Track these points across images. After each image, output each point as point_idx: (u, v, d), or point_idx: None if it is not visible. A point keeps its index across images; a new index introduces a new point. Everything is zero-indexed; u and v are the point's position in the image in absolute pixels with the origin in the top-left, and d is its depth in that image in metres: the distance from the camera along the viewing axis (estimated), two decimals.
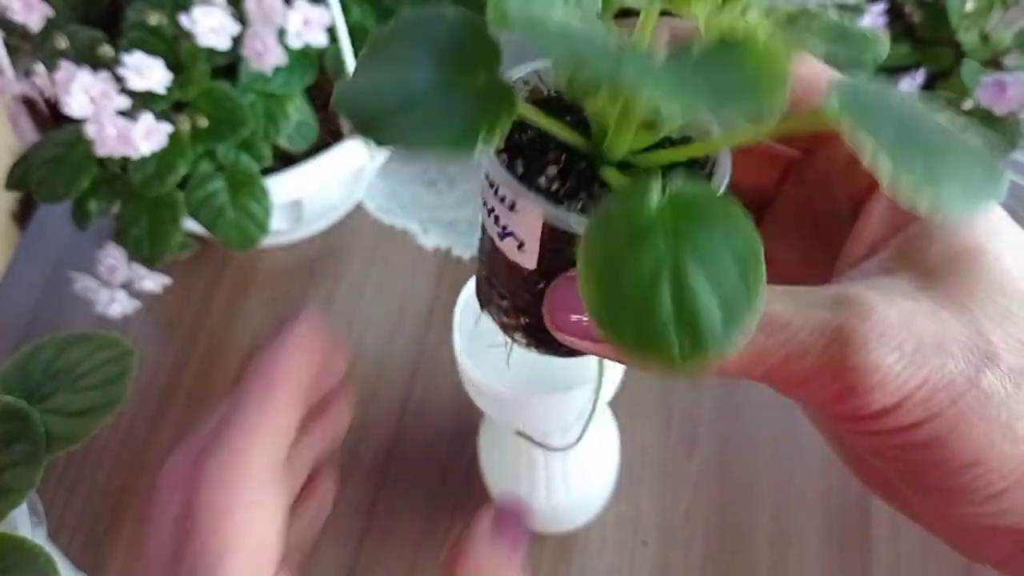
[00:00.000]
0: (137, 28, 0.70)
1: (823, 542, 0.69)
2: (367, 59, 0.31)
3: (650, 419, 0.75)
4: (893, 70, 0.76)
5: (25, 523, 0.55)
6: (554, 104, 0.33)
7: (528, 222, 0.30)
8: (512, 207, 0.30)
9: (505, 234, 0.31)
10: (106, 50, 0.69)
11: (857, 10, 0.74)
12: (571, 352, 0.32)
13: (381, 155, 0.79)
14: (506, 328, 0.34)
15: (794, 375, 0.30)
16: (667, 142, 0.32)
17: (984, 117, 0.74)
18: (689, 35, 0.33)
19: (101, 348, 0.55)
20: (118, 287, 0.74)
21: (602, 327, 0.27)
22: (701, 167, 0.33)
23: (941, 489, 0.31)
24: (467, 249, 0.84)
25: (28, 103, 0.78)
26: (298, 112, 0.75)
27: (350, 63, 0.73)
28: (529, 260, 0.31)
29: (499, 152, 0.31)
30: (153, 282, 0.74)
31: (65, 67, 0.66)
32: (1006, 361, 0.31)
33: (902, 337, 0.29)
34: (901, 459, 0.31)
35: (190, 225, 0.75)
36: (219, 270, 0.85)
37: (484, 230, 0.33)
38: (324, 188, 0.80)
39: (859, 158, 0.26)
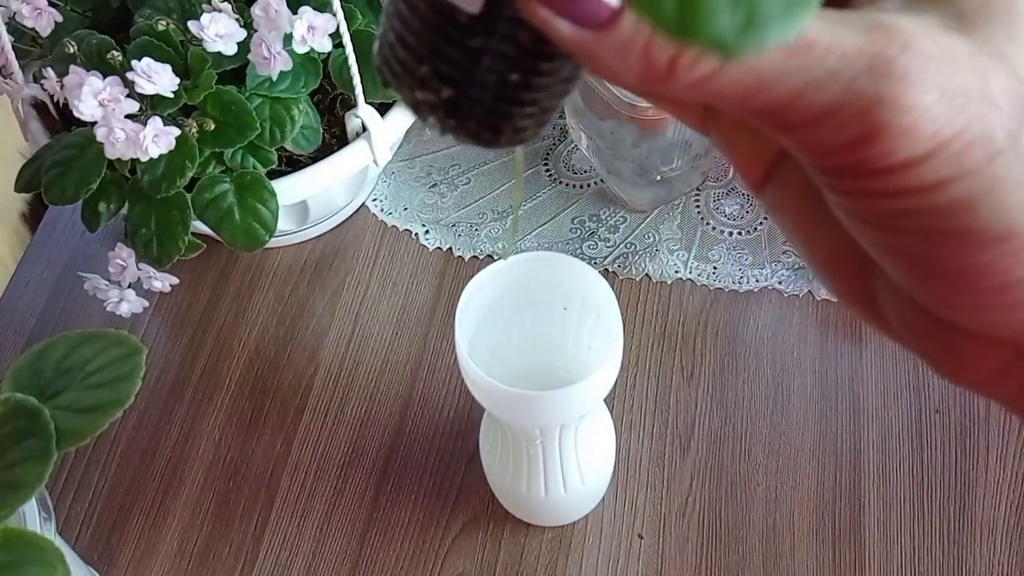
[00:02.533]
0: (145, 33, 0.71)
1: (816, 537, 0.70)
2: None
3: (646, 415, 0.76)
4: None
5: (35, 518, 0.56)
6: None
7: None
8: None
9: None
10: (115, 55, 0.70)
11: None
12: (492, 139, 0.26)
13: (385, 160, 0.80)
14: (419, 107, 0.26)
15: (808, 109, 0.24)
16: None
17: None
18: None
19: (111, 346, 0.56)
20: (127, 287, 0.75)
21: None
22: None
23: (950, 272, 0.25)
24: (468, 250, 0.86)
25: (38, 107, 0.79)
26: (303, 116, 0.75)
27: (354, 68, 0.73)
28: (472, 1, 0.24)
29: None
30: (161, 282, 0.75)
31: (75, 72, 0.67)
32: None
33: (945, 74, 0.24)
34: (910, 231, 0.25)
35: (198, 225, 0.75)
36: (226, 270, 0.87)
37: None
38: (329, 190, 0.81)
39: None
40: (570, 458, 0.64)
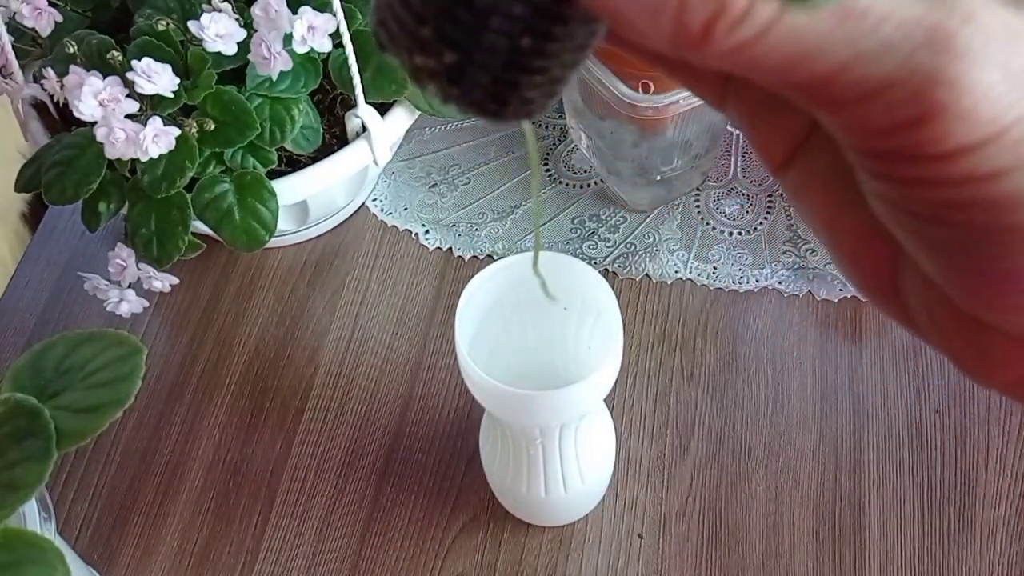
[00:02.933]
0: (146, 33, 0.71)
1: (816, 537, 0.70)
2: None
3: (646, 415, 0.76)
4: None
5: (35, 518, 0.56)
6: None
7: None
8: None
9: None
10: (115, 55, 0.70)
11: None
12: (497, 110, 0.24)
13: (385, 160, 0.80)
14: (419, 73, 0.23)
15: (857, 84, 0.21)
16: None
17: None
18: None
19: (111, 346, 0.56)
20: (127, 287, 0.75)
21: None
22: None
23: (997, 272, 0.23)
24: (468, 250, 0.86)
25: (38, 107, 0.79)
26: (303, 116, 0.75)
27: (354, 69, 0.73)
28: None
29: None
30: (161, 282, 0.75)
31: (75, 72, 0.67)
32: None
33: (1009, 52, 0.21)
34: (958, 224, 0.23)
35: (197, 225, 0.75)
36: (226, 270, 0.87)
37: None
38: (329, 190, 0.81)
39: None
40: (570, 458, 0.64)
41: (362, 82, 0.75)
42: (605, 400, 0.70)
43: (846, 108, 0.22)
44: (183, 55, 0.71)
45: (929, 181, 0.22)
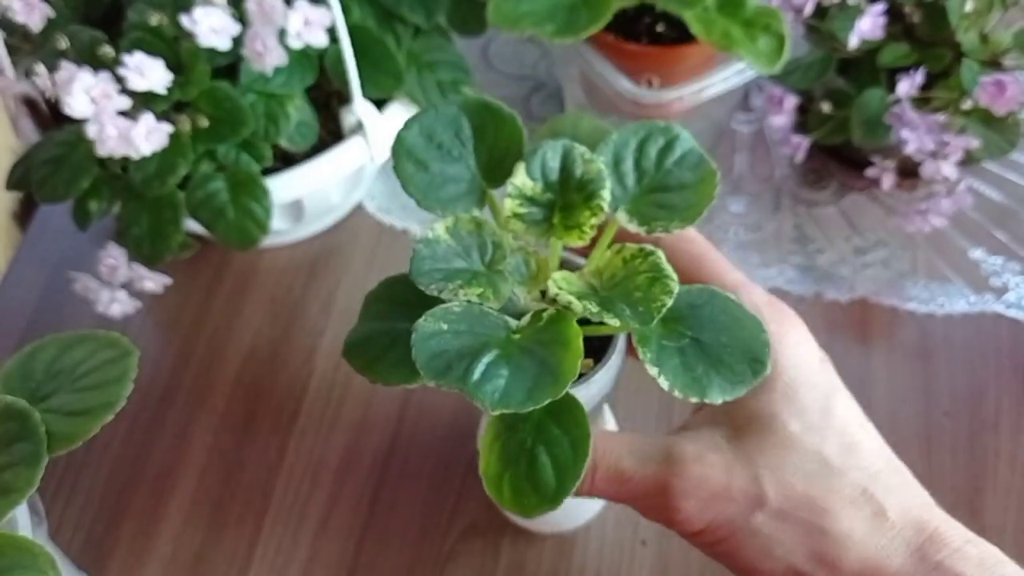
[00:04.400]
0: (138, 28, 0.70)
1: None
2: (364, 314, 0.52)
3: (651, 419, 0.75)
4: (893, 71, 0.76)
5: (26, 522, 0.55)
6: None
7: None
8: None
9: None
10: (107, 50, 0.69)
11: (856, 11, 0.74)
12: None
13: (382, 157, 0.79)
14: None
15: (639, 507, 0.50)
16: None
17: (983, 117, 0.74)
18: None
19: (102, 348, 0.56)
20: (119, 287, 0.75)
21: (486, 483, 0.47)
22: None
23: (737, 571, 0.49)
24: None
25: (29, 103, 0.78)
26: (298, 112, 0.75)
27: (351, 64, 0.73)
28: None
29: None
30: (154, 282, 0.74)
31: (66, 67, 0.66)
32: (773, 504, 0.46)
33: (700, 489, 0.47)
34: (716, 556, 0.49)
35: (191, 225, 0.75)
36: (220, 270, 0.86)
37: None
38: (324, 188, 0.80)
39: None
40: None
41: (359, 78, 0.74)
42: (607, 401, 0.69)
43: (645, 514, 0.50)
44: (176, 50, 0.71)
45: (696, 541, 0.49)
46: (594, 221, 0.48)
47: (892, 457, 0.50)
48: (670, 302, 0.44)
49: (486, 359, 0.42)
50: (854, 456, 0.47)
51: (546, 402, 0.41)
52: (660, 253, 0.46)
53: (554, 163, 0.49)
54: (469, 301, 0.45)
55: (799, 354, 0.50)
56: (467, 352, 0.43)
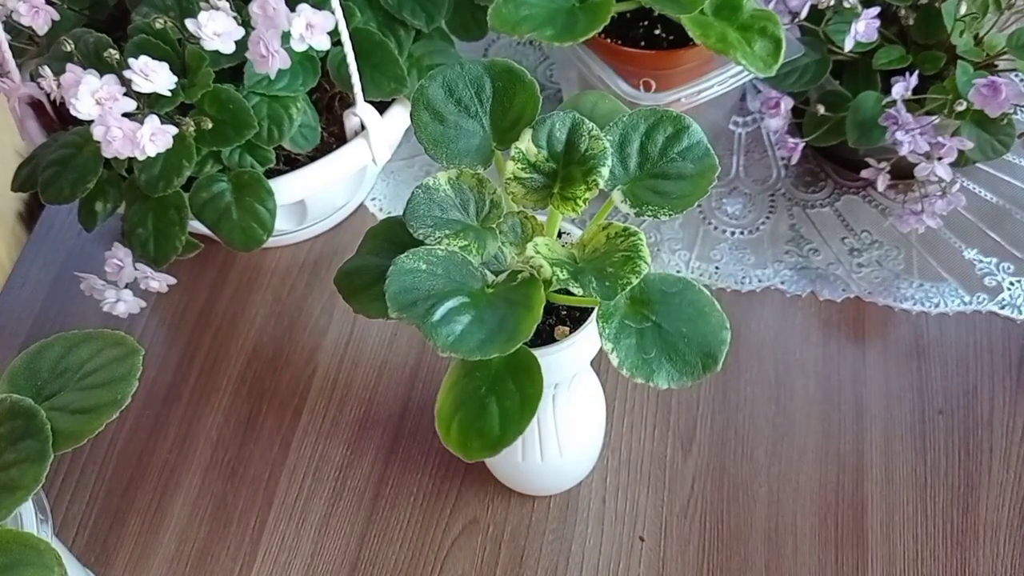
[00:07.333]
0: (143, 31, 0.71)
1: (818, 539, 0.70)
2: (361, 247, 0.55)
3: (648, 416, 0.76)
4: (887, 73, 0.76)
5: (31, 519, 0.56)
6: None
7: None
8: None
9: None
10: (112, 53, 0.69)
11: (852, 13, 0.74)
12: None
13: (383, 159, 0.79)
14: None
15: None
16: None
17: (977, 119, 0.75)
18: None
19: (108, 347, 0.56)
20: (124, 287, 0.75)
21: (437, 422, 0.50)
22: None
23: None
24: None
25: (35, 105, 0.79)
26: (301, 114, 0.75)
27: (353, 67, 0.73)
28: None
29: None
30: (158, 282, 0.75)
31: (71, 70, 0.66)
32: None
33: None
34: None
35: (195, 225, 0.75)
36: (224, 270, 0.86)
37: None
38: (327, 189, 0.80)
39: None
40: (563, 424, 0.64)
41: (361, 80, 0.75)
42: (606, 401, 0.69)
43: None
44: (180, 53, 0.71)
45: None
46: (588, 196, 0.50)
47: None
48: (635, 281, 0.46)
49: (450, 303, 0.45)
50: None
51: (493, 355, 0.44)
52: (642, 235, 0.47)
53: (561, 134, 0.50)
54: (453, 250, 0.48)
55: None
56: (435, 293, 0.45)
